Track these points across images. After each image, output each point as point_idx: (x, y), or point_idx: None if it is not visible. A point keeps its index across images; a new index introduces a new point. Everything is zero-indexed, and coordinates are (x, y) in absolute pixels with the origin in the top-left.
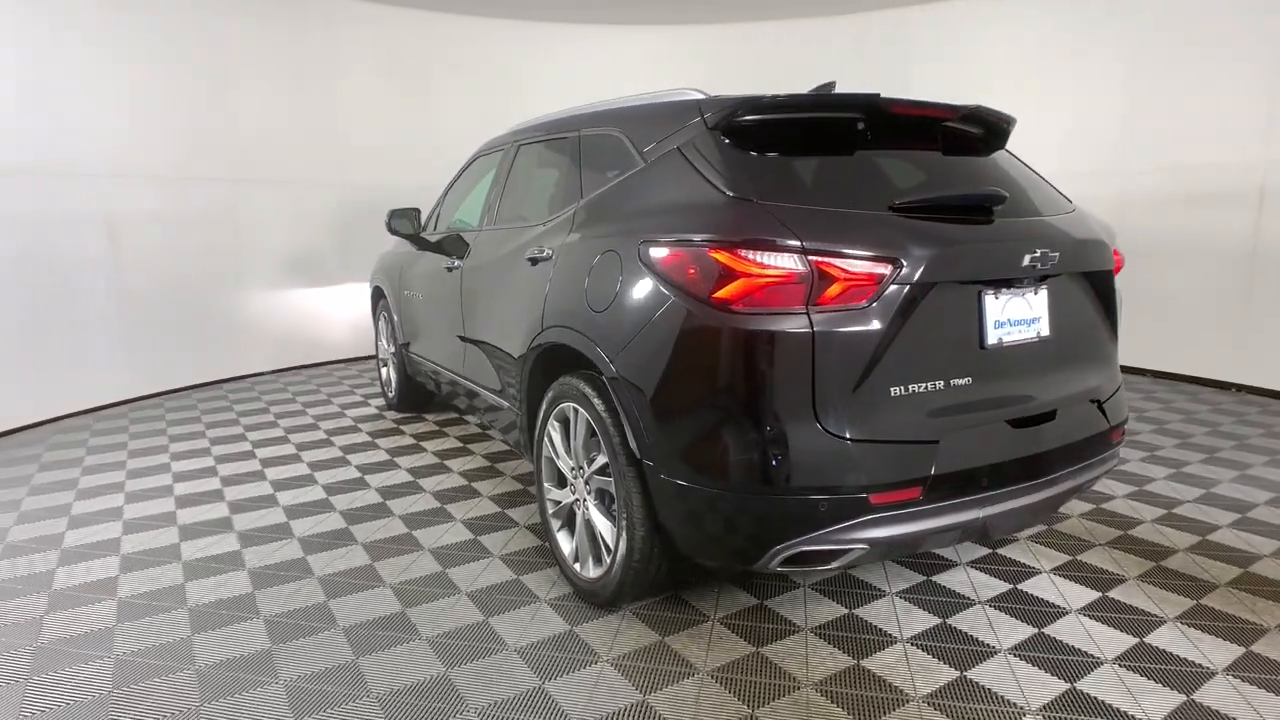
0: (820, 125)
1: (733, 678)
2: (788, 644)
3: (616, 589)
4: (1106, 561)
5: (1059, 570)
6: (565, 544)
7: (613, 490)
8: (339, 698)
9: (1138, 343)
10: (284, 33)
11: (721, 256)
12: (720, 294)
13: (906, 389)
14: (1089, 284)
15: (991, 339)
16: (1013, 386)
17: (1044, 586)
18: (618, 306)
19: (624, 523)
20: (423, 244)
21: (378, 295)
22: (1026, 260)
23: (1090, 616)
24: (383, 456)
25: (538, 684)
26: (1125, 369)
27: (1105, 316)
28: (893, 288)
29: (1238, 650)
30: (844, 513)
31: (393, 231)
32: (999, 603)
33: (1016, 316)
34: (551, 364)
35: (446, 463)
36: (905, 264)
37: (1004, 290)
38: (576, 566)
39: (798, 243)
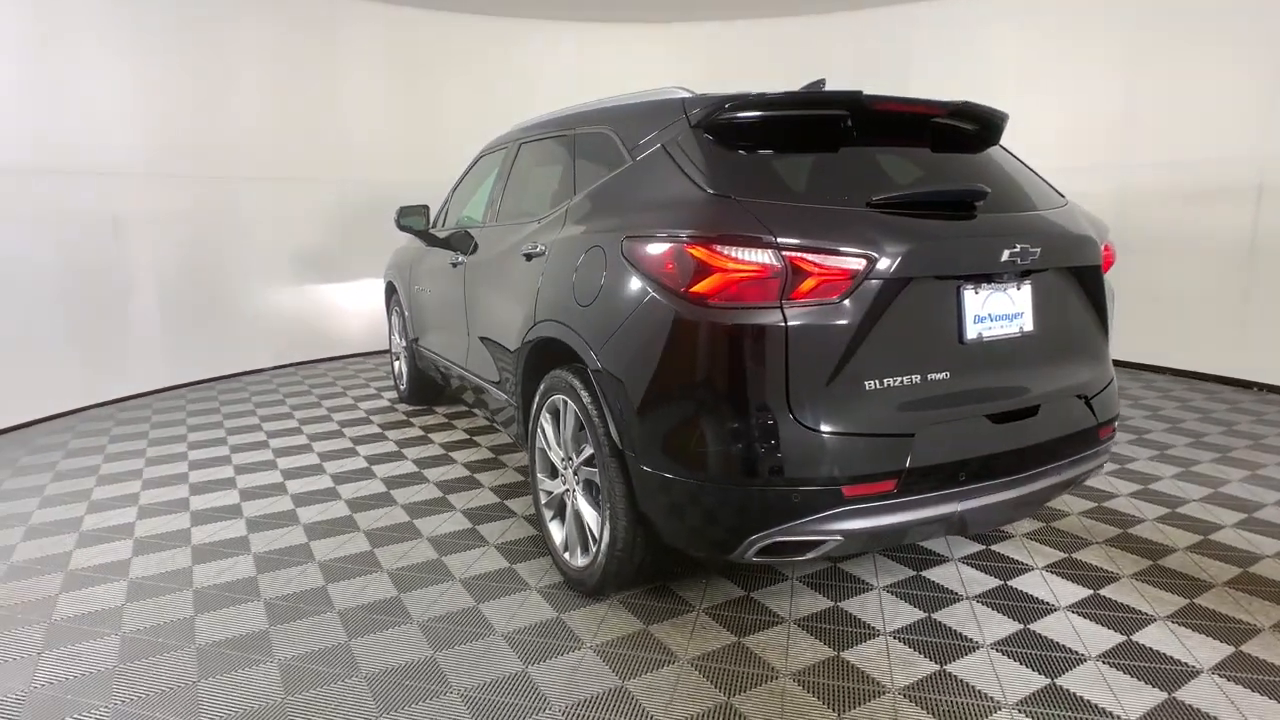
0: (803, 123)
1: (712, 666)
2: (770, 634)
3: (601, 578)
4: (1102, 559)
5: (1052, 567)
6: (557, 533)
7: (599, 481)
8: (330, 677)
9: (1152, 339)
10: (286, 31)
11: (698, 252)
12: (696, 288)
13: (881, 383)
14: (1076, 280)
15: (971, 334)
16: (993, 381)
17: (1035, 583)
18: (602, 301)
19: (608, 512)
20: (431, 240)
21: (390, 290)
22: (1005, 255)
23: (1079, 614)
24: (391, 448)
25: (521, 668)
26: (1143, 367)
27: (1094, 312)
28: (867, 283)
29: (1227, 650)
30: (818, 504)
31: (402, 228)
32: (987, 598)
33: (998, 312)
34: (544, 357)
35: (452, 454)
36: (879, 259)
37: (984, 285)
38: (566, 556)
39: (772, 238)
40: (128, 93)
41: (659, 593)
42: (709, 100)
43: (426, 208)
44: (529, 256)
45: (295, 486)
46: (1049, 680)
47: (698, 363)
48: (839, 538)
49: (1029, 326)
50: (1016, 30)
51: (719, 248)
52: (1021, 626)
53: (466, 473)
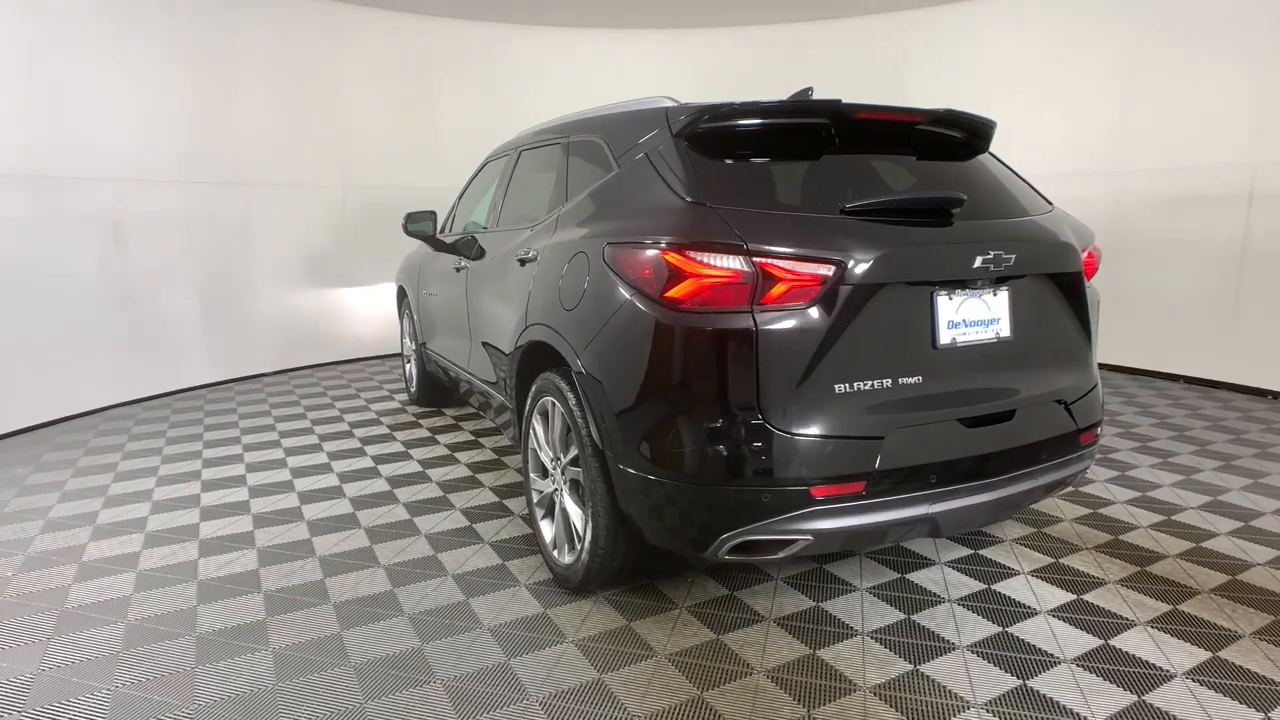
0: (783, 132)
1: (689, 662)
2: (749, 632)
3: (585, 575)
4: (1090, 565)
5: (1038, 572)
6: (547, 531)
7: (582, 480)
8: (320, 665)
9: (1152, 339)
10: (287, 39)
11: (672, 257)
12: (670, 293)
13: (852, 386)
14: (1056, 286)
15: (944, 339)
16: (966, 386)
17: (1019, 587)
18: (585, 305)
19: (590, 510)
20: (438, 245)
21: (401, 295)
22: (978, 262)
23: (1059, 618)
24: (398, 448)
25: (503, 660)
26: (1154, 374)
27: (1076, 319)
28: (837, 288)
29: (1204, 655)
30: (787, 504)
31: (410, 233)
32: (968, 601)
33: (973, 317)
34: (534, 360)
35: (456, 455)
36: (850, 265)
37: (959, 291)
38: (555, 553)
39: (743, 245)
40: (129, 101)
41: (644, 590)
42: (690, 110)
43: (434, 213)
44: (522, 262)
45: (303, 484)
46: (1020, 682)
47: (672, 366)
48: (809, 537)
49: (1006, 332)
50: (1012, 37)
51: (692, 254)
52: (1000, 629)
53: (469, 473)
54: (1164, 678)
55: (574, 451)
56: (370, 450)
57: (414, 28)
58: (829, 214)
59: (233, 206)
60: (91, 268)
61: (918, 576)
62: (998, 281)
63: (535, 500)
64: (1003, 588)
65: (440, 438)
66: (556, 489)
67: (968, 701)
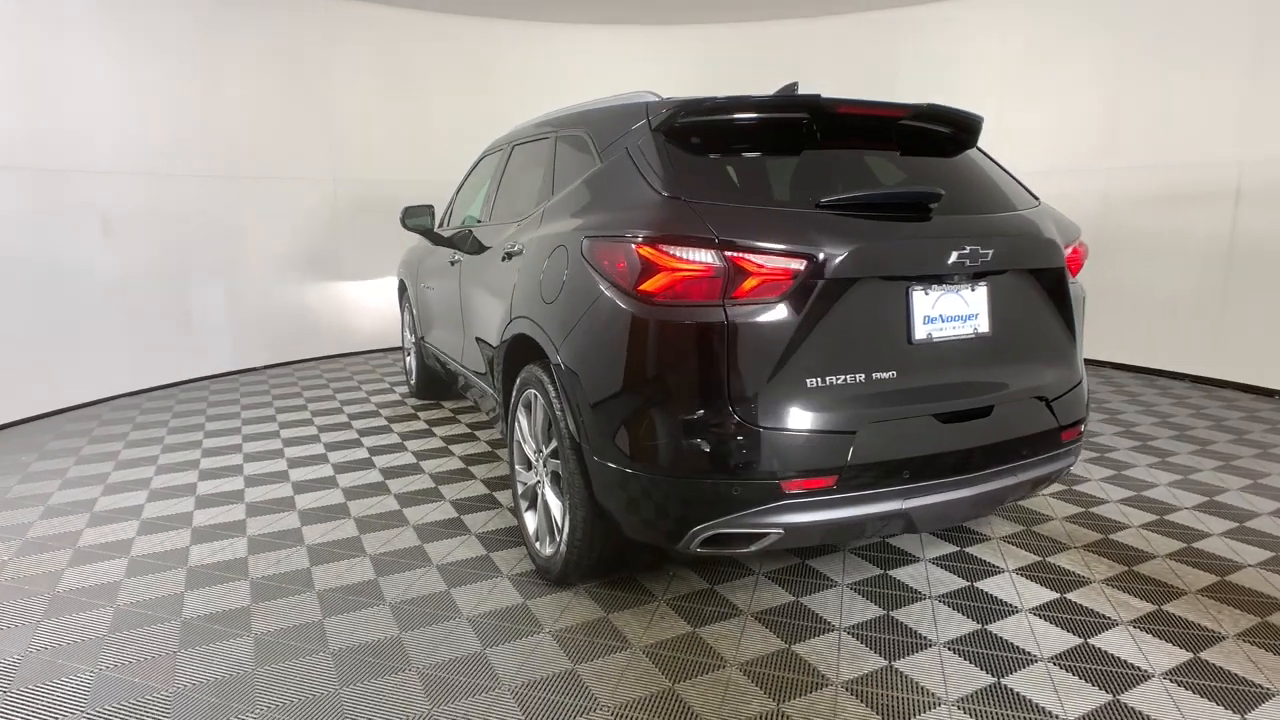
0: (763, 126)
1: (663, 654)
2: (726, 626)
3: (564, 566)
4: (1076, 564)
5: (1023, 570)
6: (531, 523)
7: (561, 472)
8: (299, 651)
9: (1133, 340)
10: (279, 32)
11: (645, 251)
12: (644, 286)
13: (824, 380)
14: (1037, 281)
15: (920, 334)
16: (942, 381)
17: (1002, 585)
18: (563, 299)
19: (568, 503)
20: (436, 239)
21: (402, 288)
22: (954, 257)
23: (1040, 616)
24: (394, 440)
25: (479, 649)
26: (1155, 372)
27: (1059, 315)
28: (810, 283)
29: (1184, 656)
30: (757, 497)
31: (408, 228)
32: (950, 598)
33: (950, 313)
34: (519, 353)
35: (451, 447)
36: (822, 260)
37: (935, 286)
38: (537, 545)
39: (714, 239)
40: (120, 93)
41: (624, 583)
42: (669, 104)
43: (431, 207)
44: (509, 255)
45: (297, 474)
46: (994, 679)
47: (645, 359)
48: (780, 531)
49: (984, 328)
50: (1002, 35)
51: (665, 247)
52: (979, 627)
53: (461, 465)
54: (1141, 678)
55: (555, 444)
56: (367, 441)
57: (406, 21)
58: (804, 209)
59: (243, 199)
60: (97, 258)
61: (900, 573)
62: (976, 277)
63: (520, 492)
64: (985, 585)
65: (437, 430)
66: (539, 481)
67: (939, 698)
